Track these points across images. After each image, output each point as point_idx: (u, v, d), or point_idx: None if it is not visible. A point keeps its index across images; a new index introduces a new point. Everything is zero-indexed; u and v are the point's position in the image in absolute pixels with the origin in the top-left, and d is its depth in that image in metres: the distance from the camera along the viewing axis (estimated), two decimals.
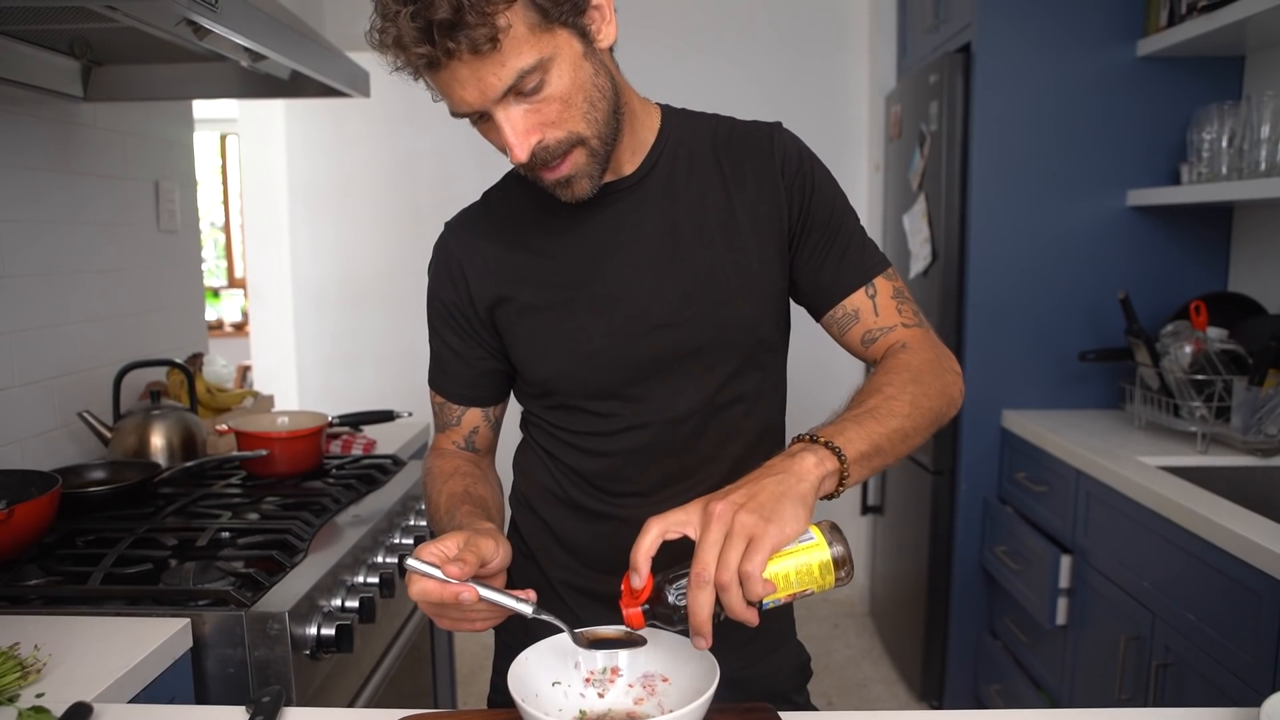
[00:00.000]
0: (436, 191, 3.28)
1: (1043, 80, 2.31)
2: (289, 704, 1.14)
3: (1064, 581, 2.03)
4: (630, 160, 0.98)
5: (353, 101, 3.22)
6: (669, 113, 1.04)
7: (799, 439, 0.80)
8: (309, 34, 1.59)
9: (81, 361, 1.81)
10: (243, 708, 0.88)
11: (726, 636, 0.79)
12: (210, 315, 5.73)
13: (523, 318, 1.00)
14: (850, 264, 1.02)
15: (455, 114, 0.86)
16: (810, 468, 0.75)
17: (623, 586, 0.74)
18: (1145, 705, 1.72)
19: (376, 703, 1.40)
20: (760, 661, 1.08)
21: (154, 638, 1.06)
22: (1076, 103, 2.32)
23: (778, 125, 1.03)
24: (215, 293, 5.94)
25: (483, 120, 0.86)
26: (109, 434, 1.69)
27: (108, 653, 1.02)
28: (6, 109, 1.63)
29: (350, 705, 1.34)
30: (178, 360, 1.85)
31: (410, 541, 1.58)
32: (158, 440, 1.69)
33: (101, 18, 1.30)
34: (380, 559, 1.48)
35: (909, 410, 0.86)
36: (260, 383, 3.51)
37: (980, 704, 2.51)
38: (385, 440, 2.02)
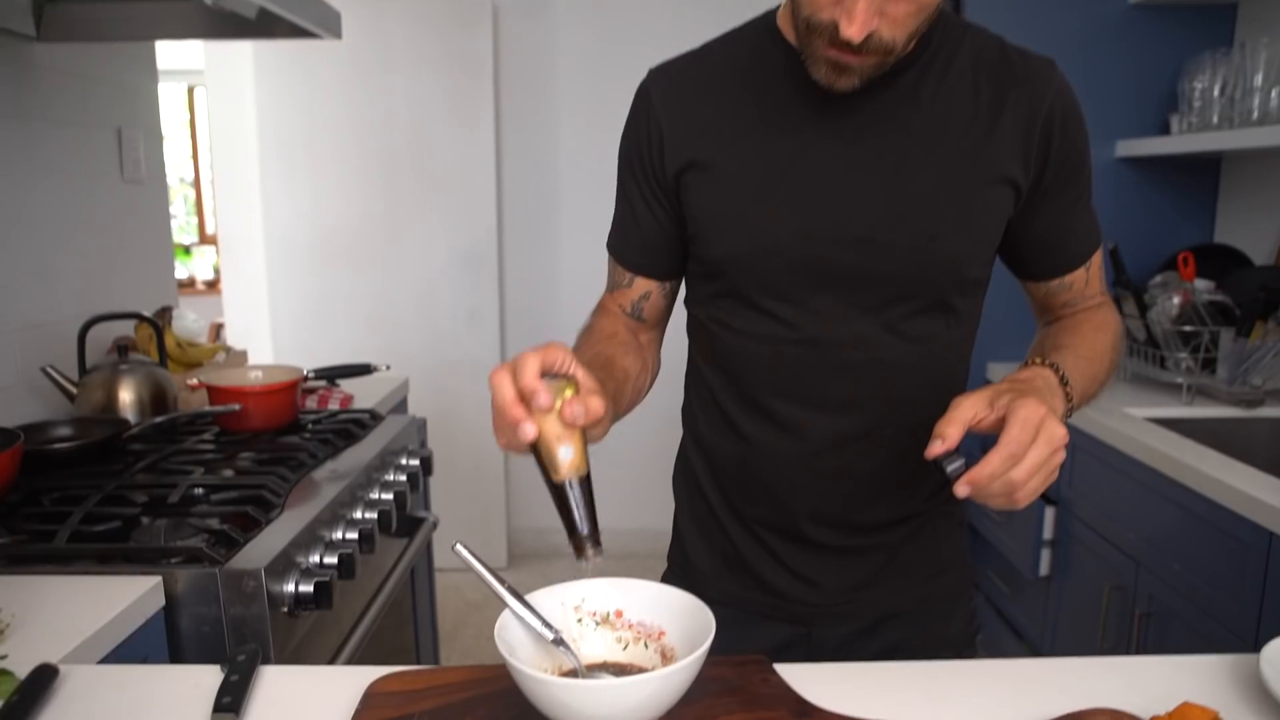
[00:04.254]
0: (412, 143, 3.20)
1: (1033, 30, 2.27)
2: (266, 662, 1.11)
3: (1048, 533, 2.03)
4: None
5: (323, 50, 3.12)
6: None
7: (1053, 368, 0.84)
8: None
9: (44, 315, 1.74)
10: (217, 666, 0.84)
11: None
12: (181, 273, 5.61)
13: (713, 190, 0.92)
14: (1087, 236, 0.98)
15: None
16: (1057, 410, 0.79)
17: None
18: (1127, 653, 1.72)
19: (357, 660, 1.37)
20: (937, 577, 1.05)
21: (124, 597, 1.02)
22: (1066, 52, 2.25)
23: (1054, 63, 0.93)
24: (186, 250, 5.81)
25: None
26: (75, 390, 1.64)
27: (75, 613, 0.99)
28: None
29: (330, 663, 1.32)
30: (146, 313, 1.78)
31: (390, 496, 1.54)
32: (126, 396, 1.64)
33: None
34: (359, 514, 1.45)
35: (1100, 388, 0.95)
36: (234, 340, 3.44)
37: None
38: (363, 395, 1.98)
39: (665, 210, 0.98)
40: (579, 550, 0.73)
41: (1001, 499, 0.74)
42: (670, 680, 0.65)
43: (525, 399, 0.69)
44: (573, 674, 0.74)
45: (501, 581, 0.74)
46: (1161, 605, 1.65)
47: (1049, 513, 2.01)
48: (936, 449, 0.74)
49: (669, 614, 0.77)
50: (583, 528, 0.72)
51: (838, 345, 0.92)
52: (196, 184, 5.89)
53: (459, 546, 0.75)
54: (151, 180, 2.13)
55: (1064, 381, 0.84)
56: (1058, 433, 0.73)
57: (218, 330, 4.03)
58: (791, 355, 0.93)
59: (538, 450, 0.72)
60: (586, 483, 0.73)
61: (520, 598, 0.75)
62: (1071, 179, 0.93)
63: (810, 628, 1.01)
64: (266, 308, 3.34)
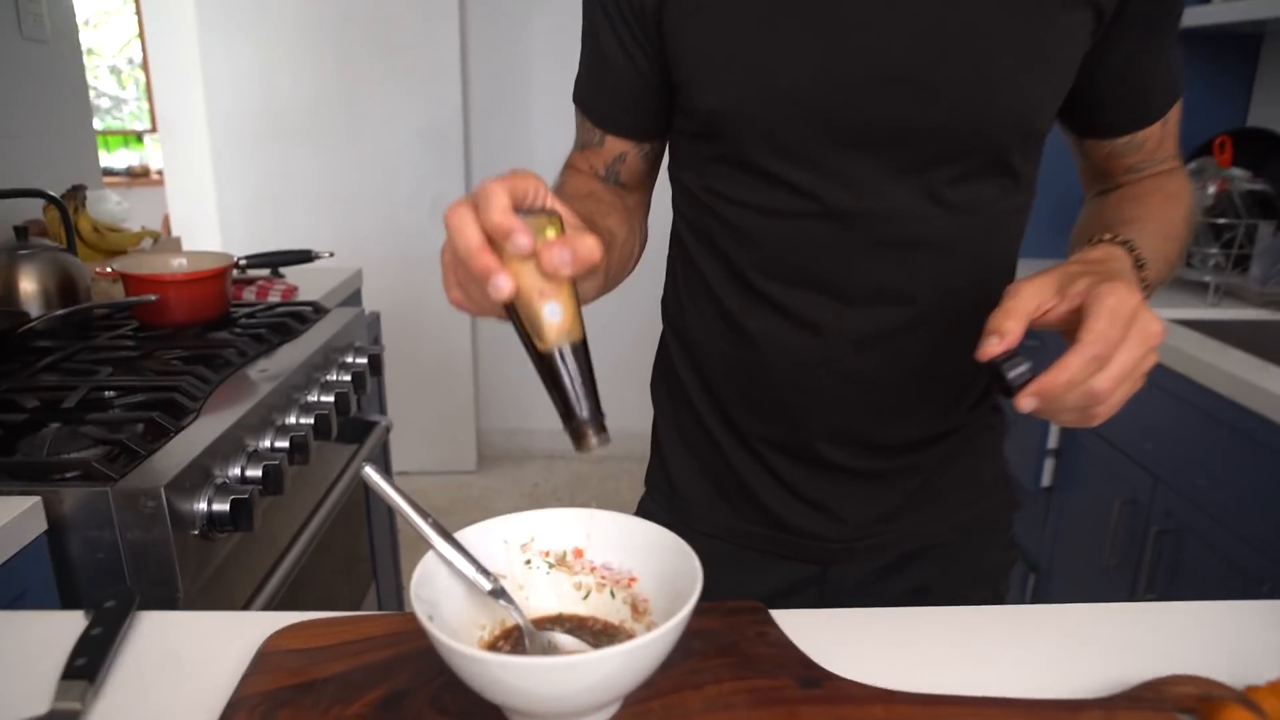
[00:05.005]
0: (367, 9, 2.89)
1: None
2: (173, 593, 0.96)
3: (1052, 442, 1.90)
4: None
5: None
6: None
7: (1127, 246, 0.67)
8: None
9: None
10: (81, 612, 0.68)
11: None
12: (133, 160, 5.29)
13: (705, 20, 0.72)
14: (1171, 83, 0.78)
15: None
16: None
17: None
18: (1136, 572, 1.61)
19: (293, 581, 1.22)
20: (977, 503, 0.87)
21: None
22: None
23: None
24: (139, 137, 5.45)
25: None
26: None
27: None
28: None
29: (259, 588, 1.16)
30: (50, 192, 1.56)
31: (330, 399, 1.36)
32: (28, 285, 1.43)
33: None
34: (293, 420, 1.27)
35: (1171, 273, 0.78)
36: (180, 230, 3.20)
37: None
38: (309, 286, 1.77)
39: (643, 50, 0.77)
40: (579, 438, 0.54)
41: (1075, 414, 0.57)
42: (637, 655, 0.49)
43: (496, 242, 0.51)
44: (516, 632, 0.58)
45: (425, 516, 0.57)
46: (1180, 523, 1.52)
47: None
48: (993, 348, 0.56)
49: (642, 555, 0.60)
50: (580, 409, 0.54)
51: (868, 218, 0.72)
52: (145, 66, 5.48)
53: (368, 470, 0.57)
54: (58, 40, 1.86)
55: (1139, 264, 0.67)
56: (1153, 328, 0.56)
57: (168, 222, 3.77)
58: (809, 233, 0.73)
59: (514, 311, 0.53)
60: (581, 350, 0.54)
61: (450, 537, 0.58)
62: (1163, 5, 0.73)
63: (825, 567, 0.84)
64: (213, 197, 3.08)
